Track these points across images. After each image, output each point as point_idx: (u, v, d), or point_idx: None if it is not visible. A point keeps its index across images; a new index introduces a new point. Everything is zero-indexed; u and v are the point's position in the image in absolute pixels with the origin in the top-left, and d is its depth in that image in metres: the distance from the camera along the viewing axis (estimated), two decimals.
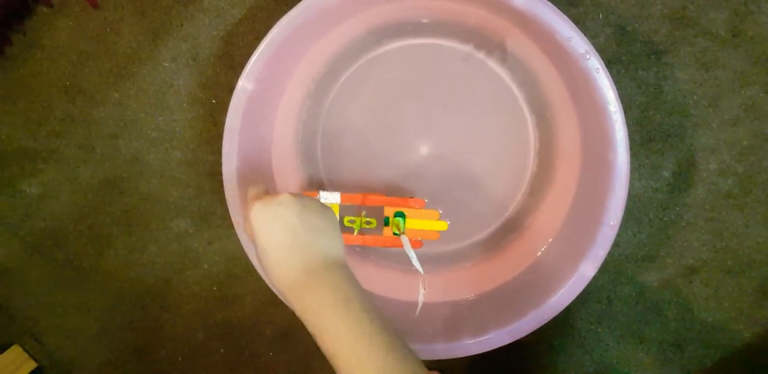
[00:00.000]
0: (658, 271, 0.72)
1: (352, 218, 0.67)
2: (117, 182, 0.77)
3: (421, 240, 0.67)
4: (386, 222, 0.67)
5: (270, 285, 0.58)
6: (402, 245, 0.66)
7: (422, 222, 0.67)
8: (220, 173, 0.63)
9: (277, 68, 0.63)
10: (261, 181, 0.63)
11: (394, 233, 0.67)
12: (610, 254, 0.59)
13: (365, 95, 0.68)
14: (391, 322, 0.48)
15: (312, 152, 0.70)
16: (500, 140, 0.67)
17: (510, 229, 0.69)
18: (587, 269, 0.60)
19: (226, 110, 0.61)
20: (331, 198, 0.64)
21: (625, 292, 0.73)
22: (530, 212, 0.68)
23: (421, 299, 0.66)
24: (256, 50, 0.59)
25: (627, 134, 0.56)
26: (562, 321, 0.74)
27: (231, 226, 0.64)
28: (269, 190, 0.55)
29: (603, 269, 0.61)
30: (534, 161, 0.68)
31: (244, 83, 0.60)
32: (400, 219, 0.66)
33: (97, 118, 0.75)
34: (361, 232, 0.67)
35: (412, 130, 0.68)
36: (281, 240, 0.48)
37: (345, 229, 0.66)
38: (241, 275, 0.78)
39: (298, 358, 0.80)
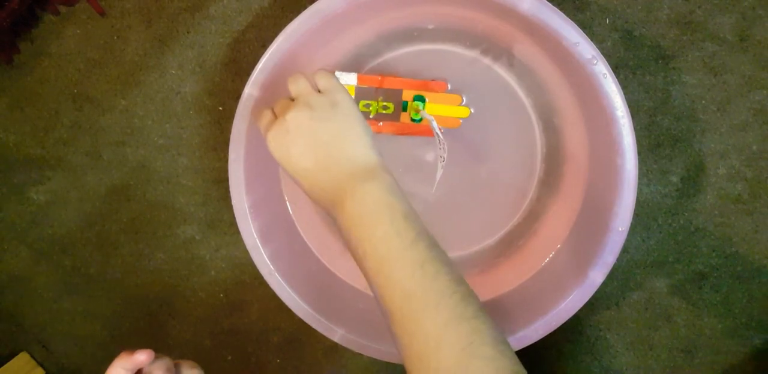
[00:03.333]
0: (668, 277, 0.71)
1: (368, 102, 0.65)
2: (124, 189, 0.77)
3: (441, 127, 0.65)
4: (404, 107, 0.64)
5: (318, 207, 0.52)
6: (415, 133, 0.65)
7: (443, 107, 0.65)
8: (227, 180, 0.63)
9: (283, 75, 0.62)
10: (265, 103, 0.60)
11: (413, 119, 0.64)
12: (618, 260, 0.59)
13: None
14: (423, 230, 0.44)
15: None
16: (507, 146, 0.67)
17: (517, 235, 0.69)
18: (596, 276, 0.59)
19: (233, 117, 0.61)
20: (347, 79, 0.63)
21: (634, 298, 0.72)
22: (538, 218, 0.68)
23: (439, 173, 0.62)
24: (262, 57, 0.59)
25: (635, 139, 0.56)
26: (571, 328, 0.73)
27: (238, 232, 0.64)
28: (276, 106, 0.52)
29: (612, 276, 0.60)
30: (541, 167, 0.67)
31: (251, 90, 0.60)
32: (419, 103, 0.64)
33: (104, 125, 0.75)
34: (377, 117, 0.65)
35: (418, 135, 0.68)
36: (303, 166, 0.47)
37: None
38: (248, 281, 0.78)
39: (306, 365, 0.80)
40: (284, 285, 0.64)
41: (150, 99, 0.74)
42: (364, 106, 0.65)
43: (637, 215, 0.67)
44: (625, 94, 0.55)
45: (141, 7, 0.71)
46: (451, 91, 0.66)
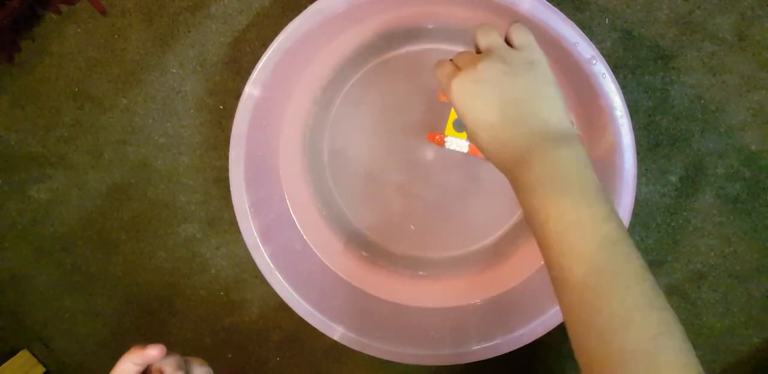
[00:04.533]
0: (666, 276, 0.71)
1: None
2: (125, 187, 0.77)
3: None
4: None
5: (490, 162, 0.48)
6: None
7: None
8: (228, 179, 0.63)
9: (283, 74, 0.63)
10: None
11: None
12: None
13: (372, 100, 0.68)
14: (615, 211, 0.41)
15: (319, 156, 0.71)
16: None
17: (517, 235, 0.69)
18: None
19: (234, 116, 0.61)
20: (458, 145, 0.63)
21: None
22: None
23: None
24: (262, 56, 0.59)
25: (634, 139, 0.56)
26: None
27: (238, 231, 0.64)
28: (458, 58, 0.49)
29: None
30: None
31: (251, 89, 0.61)
32: None
33: (106, 124, 0.75)
34: None
35: (418, 135, 0.68)
36: (486, 119, 0.44)
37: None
38: (248, 280, 0.78)
39: (306, 363, 0.80)
40: (285, 283, 0.64)
41: (151, 98, 0.74)
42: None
43: (635, 214, 0.67)
44: (624, 93, 0.55)
45: (142, 6, 0.71)
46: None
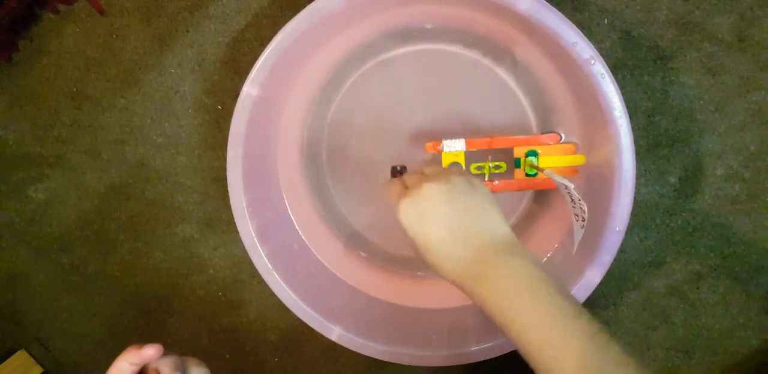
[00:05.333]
0: (665, 277, 0.71)
1: (480, 164, 0.65)
2: (123, 187, 0.77)
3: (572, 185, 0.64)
4: (517, 164, 0.64)
5: (444, 279, 0.51)
6: (533, 187, 0.65)
7: (558, 159, 0.64)
8: (225, 179, 0.63)
9: (281, 74, 0.63)
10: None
11: (527, 174, 0.64)
12: (616, 259, 0.59)
13: (370, 100, 0.68)
14: (580, 304, 0.43)
15: (317, 157, 0.71)
16: None
17: (515, 235, 0.69)
18: (593, 276, 0.59)
19: (232, 116, 0.61)
20: (455, 146, 0.63)
21: (631, 298, 0.72)
22: (535, 218, 0.68)
23: (578, 234, 0.59)
24: (260, 56, 0.59)
25: (632, 139, 0.56)
26: None
27: (236, 231, 0.64)
28: (407, 178, 0.54)
29: (609, 275, 0.60)
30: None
31: (249, 89, 0.60)
32: (532, 158, 0.63)
33: (104, 124, 0.75)
34: (491, 178, 0.65)
35: (418, 135, 0.68)
36: (438, 234, 0.47)
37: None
38: (246, 280, 0.78)
39: (304, 364, 0.80)
40: (282, 284, 0.64)
41: (149, 98, 0.74)
42: (476, 168, 0.65)
43: (634, 215, 0.67)
44: (623, 94, 0.55)
45: (140, 5, 0.71)
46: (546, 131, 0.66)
